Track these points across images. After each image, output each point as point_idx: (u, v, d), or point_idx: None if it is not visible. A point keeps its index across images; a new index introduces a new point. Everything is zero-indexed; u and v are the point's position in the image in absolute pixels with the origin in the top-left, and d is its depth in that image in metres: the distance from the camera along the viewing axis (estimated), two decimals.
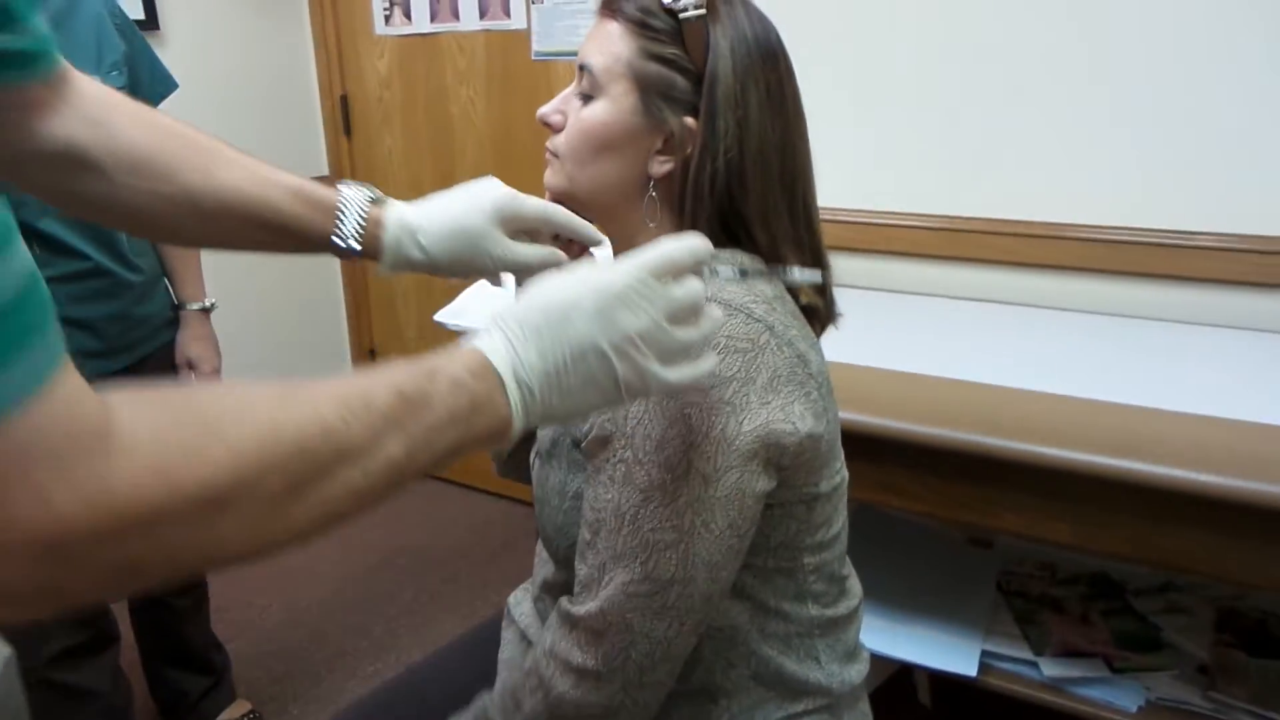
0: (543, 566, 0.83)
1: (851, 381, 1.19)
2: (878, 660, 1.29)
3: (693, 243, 0.58)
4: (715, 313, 0.60)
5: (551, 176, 0.78)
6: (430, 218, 0.74)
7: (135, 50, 1.37)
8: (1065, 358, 1.33)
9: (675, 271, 0.57)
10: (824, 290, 0.78)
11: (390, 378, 0.49)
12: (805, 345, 0.71)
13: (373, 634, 2.02)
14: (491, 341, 0.54)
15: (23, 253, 0.36)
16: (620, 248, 0.78)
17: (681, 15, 0.71)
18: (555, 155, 0.77)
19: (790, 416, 0.66)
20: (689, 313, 0.57)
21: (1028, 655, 1.28)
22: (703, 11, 0.72)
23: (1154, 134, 1.48)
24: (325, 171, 2.57)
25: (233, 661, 1.78)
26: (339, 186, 0.75)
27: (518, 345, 0.54)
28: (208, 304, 1.58)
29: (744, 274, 0.64)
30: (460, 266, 0.74)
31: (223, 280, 2.39)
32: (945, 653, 1.30)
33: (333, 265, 2.68)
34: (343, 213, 0.73)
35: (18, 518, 0.35)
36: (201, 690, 1.69)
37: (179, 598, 1.62)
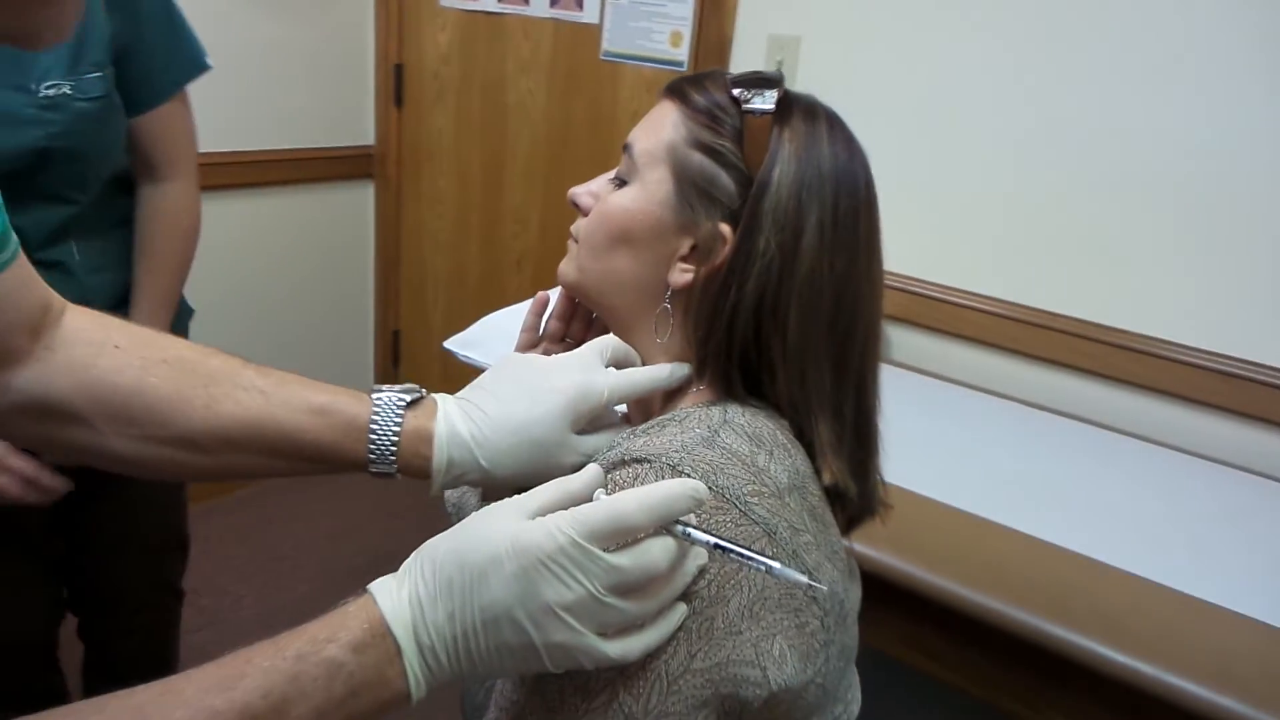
0: None
1: (896, 513, 1.01)
2: None
3: (663, 495, 0.45)
4: (690, 567, 0.48)
5: (564, 264, 0.68)
6: (492, 430, 0.59)
7: (146, 27, 1.12)
8: (1157, 519, 1.12)
9: (626, 536, 0.45)
10: (865, 476, 0.62)
11: (240, 693, 0.42)
12: (819, 556, 0.55)
13: None
14: (397, 598, 0.46)
15: None
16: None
17: (745, 106, 0.60)
18: (575, 240, 0.67)
19: (762, 657, 0.50)
20: (641, 584, 0.46)
21: None
22: (771, 108, 0.59)
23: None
24: (371, 141, 2.43)
25: (195, 652, 1.67)
26: (373, 395, 0.60)
27: (425, 602, 0.46)
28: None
29: (721, 549, 0.47)
30: (529, 480, 0.56)
31: (246, 257, 2.30)
32: None
33: (366, 246, 2.56)
34: (375, 432, 0.59)
35: None
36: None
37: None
